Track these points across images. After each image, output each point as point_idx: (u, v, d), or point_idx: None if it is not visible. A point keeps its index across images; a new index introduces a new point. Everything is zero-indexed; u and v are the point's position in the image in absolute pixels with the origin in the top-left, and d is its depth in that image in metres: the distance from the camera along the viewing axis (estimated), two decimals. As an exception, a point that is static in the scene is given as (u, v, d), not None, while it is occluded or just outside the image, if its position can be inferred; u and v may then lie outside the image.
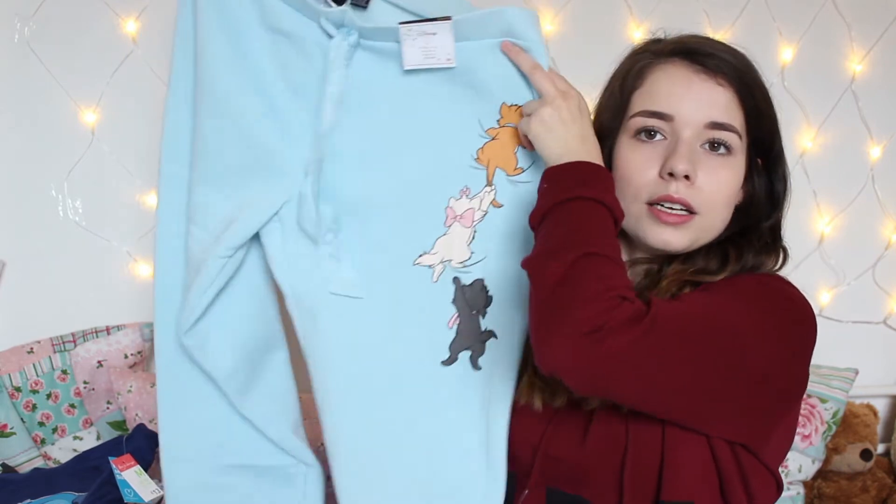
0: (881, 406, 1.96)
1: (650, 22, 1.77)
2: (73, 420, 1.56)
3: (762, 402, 0.83)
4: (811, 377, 1.87)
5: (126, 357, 1.57)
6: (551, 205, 0.82)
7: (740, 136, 0.89)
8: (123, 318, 1.62)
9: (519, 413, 0.97)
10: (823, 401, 1.74)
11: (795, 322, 0.86)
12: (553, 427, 0.92)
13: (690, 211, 0.88)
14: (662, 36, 0.95)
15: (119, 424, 1.57)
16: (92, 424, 1.58)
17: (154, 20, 1.62)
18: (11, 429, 1.51)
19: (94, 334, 1.59)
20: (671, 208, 0.88)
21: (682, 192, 0.87)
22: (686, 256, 0.91)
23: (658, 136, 0.89)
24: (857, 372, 1.80)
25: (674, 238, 0.89)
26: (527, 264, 0.81)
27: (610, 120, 0.94)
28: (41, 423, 1.54)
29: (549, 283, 0.77)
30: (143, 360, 1.61)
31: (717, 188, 0.88)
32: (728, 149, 0.89)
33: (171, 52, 0.95)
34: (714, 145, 0.88)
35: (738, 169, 0.90)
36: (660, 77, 0.90)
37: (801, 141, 1.87)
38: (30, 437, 1.53)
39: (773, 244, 0.97)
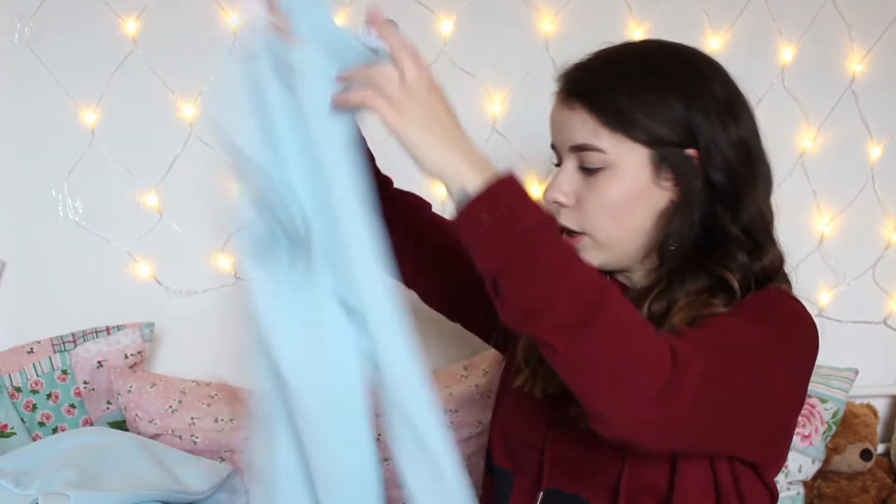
0: (881, 406, 1.96)
1: (650, 22, 1.77)
2: (73, 420, 1.56)
3: (784, 423, 0.87)
4: (811, 377, 1.87)
5: (126, 357, 1.57)
6: (509, 256, 0.71)
7: (603, 151, 0.86)
8: (123, 318, 1.62)
9: (516, 407, 0.98)
10: (823, 401, 1.74)
11: (808, 346, 0.88)
12: (555, 428, 0.92)
13: (576, 233, 0.90)
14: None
15: (119, 425, 1.57)
16: (92, 425, 1.58)
17: (154, 20, 1.62)
18: (11, 429, 1.51)
19: (94, 334, 1.59)
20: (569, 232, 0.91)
21: (563, 218, 0.90)
22: (665, 286, 0.88)
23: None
24: (857, 372, 1.80)
25: (584, 258, 0.87)
26: (550, 337, 0.71)
27: None
28: (41, 424, 1.54)
29: (588, 353, 0.71)
30: (143, 360, 1.61)
31: (599, 205, 0.88)
32: (598, 167, 0.87)
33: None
34: (584, 167, 0.89)
35: (624, 180, 0.87)
36: (551, 110, 0.94)
37: (801, 141, 1.87)
38: (30, 437, 1.53)
39: (758, 246, 0.92)
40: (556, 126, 0.92)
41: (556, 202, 0.90)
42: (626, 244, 0.90)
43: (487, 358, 1.65)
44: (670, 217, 0.88)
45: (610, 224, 0.89)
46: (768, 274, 0.91)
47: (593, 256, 0.90)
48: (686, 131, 0.87)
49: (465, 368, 1.65)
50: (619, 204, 0.88)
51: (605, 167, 0.87)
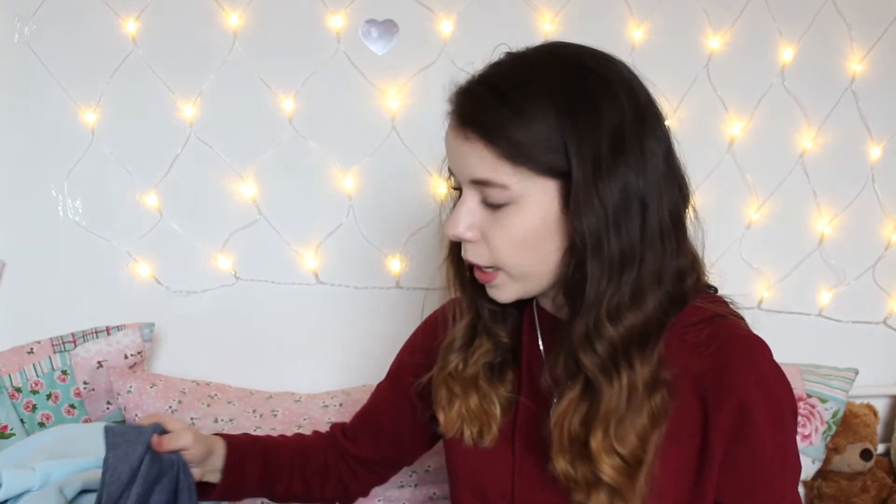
0: (881, 406, 1.97)
1: (650, 22, 1.77)
2: (73, 420, 1.56)
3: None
4: (811, 377, 1.88)
5: (126, 357, 1.57)
6: None
7: (504, 187, 0.80)
8: (123, 318, 1.62)
9: (466, 453, 0.97)
10: (823, 401, 1.74)
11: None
12: (518, 472, 0.93)
13: (490, 267, 0.85)
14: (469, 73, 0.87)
15: (119, 424, 1.57)
16: (92, 424, 1.58)
17: (154, 20, 1.62)
18: (11, 429, 1.51)
19: (94, 334, 1.59)
20: (479, 268, 0.87)
21: (470, 254, 0.86)
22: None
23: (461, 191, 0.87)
24: (857, 372, 1.80)
25: (497, 294, 0.87)
26: None
27: None
28: (41, 424, 1.54)
29: None
30: (142, 361, 1.61)
31: (507, 241, 0.82)
32: (502, 203, 0.81)
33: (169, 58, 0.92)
34: (487, 202, 0.83)
35: (532, 215, 0.81)
36: (446, 133, 0.87)
37: (800, 141, 1.87)
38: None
39: (637, 286, 0.81)
40: (453, 154, 0.85)
41: (462, 239, 0.85)
42: (542, 276, 0.85)
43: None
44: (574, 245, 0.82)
45: (521, 258, 0.83)
46: (679, 299, 0.85)
47: (511, 290, 0.86)
48: (557, 161, 0.79)
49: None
50: (529, 240, 0.82)
51: (510, 202, 0.81)
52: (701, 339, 0.85)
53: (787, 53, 1.83)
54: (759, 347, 0.85)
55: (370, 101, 1.70)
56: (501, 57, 0.86)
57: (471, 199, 0.84)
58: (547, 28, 1.72)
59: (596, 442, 0.82)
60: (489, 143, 0.80)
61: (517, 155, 0.79)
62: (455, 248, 0.93)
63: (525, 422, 0.94)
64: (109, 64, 1.61)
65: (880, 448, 1.92)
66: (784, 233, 1.89)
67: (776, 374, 0.85)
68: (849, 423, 1.82)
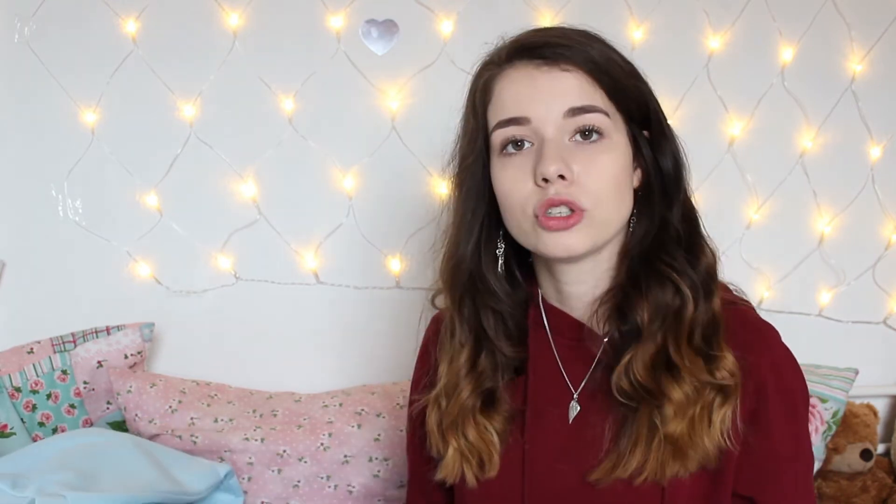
0: (881, 406, 1.96)
1: (650, 22, 1.77)
2: (73, 420, 1.56)
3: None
4: (811, 377, 1.88)
5: (126, 357, 1.57)
6: None
7: (607, 114, 0.82)
8: (123, 318, 1.62)
9: (472, 491, 0.92)
10: (823, 401, 1.74)
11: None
12: (529, 472, 0.90)
13: (578, 208, 0.82)
14: (501, 42, 0.89)
15: (119, 425, 1.57)
16: (92, 425, 1.58)
17: (154, 20, 1.62)
18: (11, 429, 1.51)
19: (94, 334, 1.59)
20: (559, 213, 0.82)
21: (563, 192, 0.81)
22: (626, 295, 0.85)
23: (526, 144, 0.84)
24: (857, 372, 1.80)
25: (571, 241, 0.83)
26: None
27: (473, 144, 0.88)
28: (41, 424, 1.54)
29: None
30: (142, 361, 1.61)
31: (599, 177, 0.82)
32: (599, 132, 0.82)
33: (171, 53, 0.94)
34: (585, 133, 0.82)
35: (618, 151, 0.83)
36: (505, 85, 0.85)
37: (801, 141, 1.87)
38: (30, 437, 1.53)
39: (693, 243, 0.87)
40: (538, 94, 0.82)
41: (560, 176, 0.81)
42: (614, 227, 0.85)
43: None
44: (636, 206, 0.87)
45: (609, 199, 0.83)
46: (711, 275, 0.87)
47: (585, 237, 0.83)
48: (644, 114, 0.86)
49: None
50: (616, 178, 0.83)
51: (604, 136, 0.82)
52: None
53: (787, 53, 1.83)
54: (773, 333, 0.87)
55: (370, 101, 1.70)
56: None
57: (561, 134, 0.82)
58: (547, 28, 1.72)
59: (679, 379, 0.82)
60: (592, 73, 0.83)
61: (614, 89, 0.83)
62: (464, 240, 0.91)
63: (537, 431, 0.91)
64: (109, 64, 1.61)
65: (880, 448, 1.91)
66: (784, 233, 1.89)
67: (790, 360, 0.87)
68: (849, 423, 1.82)
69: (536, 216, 0.82)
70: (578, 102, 0.82)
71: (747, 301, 0.92)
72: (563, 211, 0.82)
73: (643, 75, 0.87)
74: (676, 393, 0.81)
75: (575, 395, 0.90)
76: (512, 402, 0.92)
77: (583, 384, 0.90)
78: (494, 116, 0.85)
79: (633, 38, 1.76)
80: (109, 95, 1.62)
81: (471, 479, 0.91)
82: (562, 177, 0.80)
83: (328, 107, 1.69)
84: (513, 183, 0.84)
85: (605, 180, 0.82)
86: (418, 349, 1.07)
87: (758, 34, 1.82)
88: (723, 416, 0.82)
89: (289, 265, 1.72)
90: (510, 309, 0.92)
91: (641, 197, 0.88)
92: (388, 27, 1.68)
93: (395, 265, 1.74)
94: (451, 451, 0.91)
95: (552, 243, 0.83)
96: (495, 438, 0.91)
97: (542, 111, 0.82)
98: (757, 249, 1.87)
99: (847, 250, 1.91)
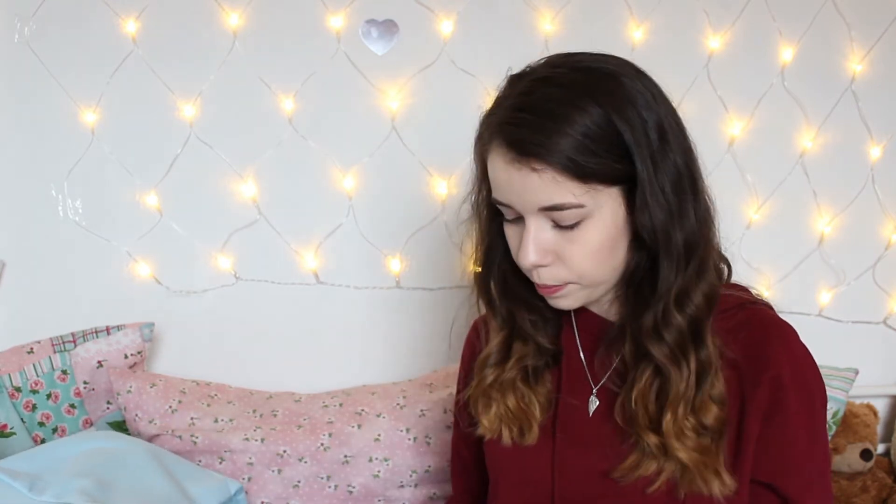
0: (881, 406, 1.96)
1: (650, 22, 1.77)
2: (73, 420, 1.56)
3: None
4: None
5: (126, 357, 1.57)
6: None
7: (582, 205, 0.81)
8: (123, 318, 1.62)
9: (506, 451, 0.98)
10: (823, 401, 1.74)
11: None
12: (559, 467, 0.94)
13: (564, 283, 0.87)
14: (506, 77, 0.90)
15: (119, 425, 1.57)
16: (92, 425, 1.58)
17: (154, 20, 1.62)
18: (11, 429, 1.51)
19: (94, 334, 1.59)
20: (546, 284, 0.88)
21: (545, 277, 0.87)
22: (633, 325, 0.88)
23: (519, 218, 0.87)
24: (857, 372, 1.80)
25: (564, 303, 0.90)
26: None
27: (481, 184, 0.92)
28: (41, 424, 1.54)
29: None
30: (142, 361, 1.61)
31: (582, 255, 0.84)
32: (575, 221, 0.83)
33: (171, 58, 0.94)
34: (558, 224, 0.84)
35: (602, 223, 0.83)
36: (490, 163, 0.86)
37: (800, 141, 1.87)
38: (30, 437, 1.53)
39: (698, 259, 0.86)
40: (513, 187, 0.83)
41: (538, 265, 0.85)
42: (611, 279, 0.89)
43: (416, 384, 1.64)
44: (638, 240, 0.87)
45: (597, 267, 0.86)
46: (720, 280, 0.92)
47: (578, 297, 0.89)
48: (629, 169, 0.82)
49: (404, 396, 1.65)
50: (605, 247, 0.84)
51: (582, 220, 0.83)
52: (735, 325, 0.89)
53: (787, 53, 1.83)
54: (791, 331, 0.90)
55: (370, 101, 1.70)
56: (519, 83, 0.86)
57: (538, 225, 0.84)
58: (547, 28, 1.72)
59: (667, 424, 0.85)
60: (557, 169, 0.80)
61: (586, 173, 0.80)
62: (487, 264, 0.96)
63: (565, 419, 0.95)
64: (109, 64, 1.61)
65: (880, 448, 1.92)
66: (784, 233, 1.89)
67: (808, 358, 0.89)
68: (849, 423, 1.82)
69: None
70: (548, 202, 0.82)
71: (766, 302, 0.95)
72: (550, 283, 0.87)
73: (640, 98, 0.82)
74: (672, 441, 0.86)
75: (594, 390, 0.94)
76: (551, 386, 0.98)
77: (603, 380, 0.94)
78: (491, 187, 0.88)
79: (633, 38, 1.76)
80: (109, 95, 1.62)
81: (506, 438, 0.97)
82: (544, 265, 0.85)
83: (328, 107, 1.69)
84: (513, 248, 0.89)
85: (587, 256, 0.85)
86: (462, 350, 1.16)
87: (758, 34, 1.82)
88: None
89: (289, 265, 1.72)
90: (542, 303, 0.96)
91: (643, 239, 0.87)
92: (388, 27, 1.68)
93: (395, 265, 1.74)
94: (492, 412, 0.98)
95: (549, 300, 0.91)
96: (536, 410, 0.96)
97: (520, 204, 0.84)
98: (757, 249, 1.87)
99: (847, 250, 1.91)
